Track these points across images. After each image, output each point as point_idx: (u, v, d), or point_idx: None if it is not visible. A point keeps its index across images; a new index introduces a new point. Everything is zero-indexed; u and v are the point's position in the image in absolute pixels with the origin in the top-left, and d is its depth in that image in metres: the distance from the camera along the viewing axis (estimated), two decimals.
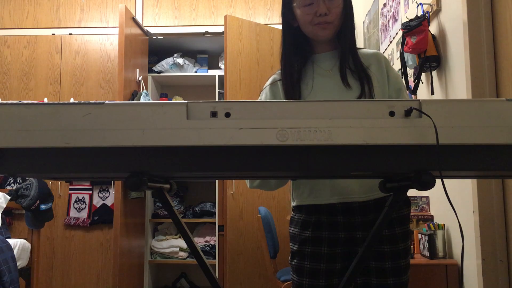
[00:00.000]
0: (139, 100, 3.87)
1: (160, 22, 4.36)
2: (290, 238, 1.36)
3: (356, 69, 1.31)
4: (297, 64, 1.34)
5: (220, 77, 4.27)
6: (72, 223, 4.09)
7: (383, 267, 1.27)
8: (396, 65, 2.95)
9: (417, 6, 2.38)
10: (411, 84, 2.49)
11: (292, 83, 1.32)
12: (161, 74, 4.40)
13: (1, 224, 3.17)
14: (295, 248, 1.33)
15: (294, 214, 1.36)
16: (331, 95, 1.31)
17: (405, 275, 1.29)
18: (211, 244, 4.12)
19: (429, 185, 0.77)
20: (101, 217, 4.09)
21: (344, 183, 1.28)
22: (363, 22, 4.06)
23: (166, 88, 4.68)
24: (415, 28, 2.24)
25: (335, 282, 1.29)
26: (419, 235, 2.32)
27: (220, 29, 4.17)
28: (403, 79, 2.54)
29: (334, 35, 1.34)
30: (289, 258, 1.36)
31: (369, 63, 1.33)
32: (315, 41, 1.37)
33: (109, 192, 4.12)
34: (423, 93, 2.49)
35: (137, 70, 4.02)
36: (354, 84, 1.30)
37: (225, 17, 3.76)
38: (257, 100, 0.97)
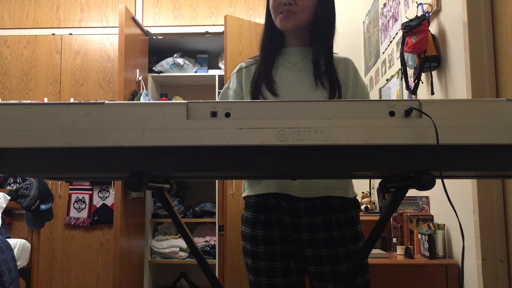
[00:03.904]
0: (139, 100, 3.87)
1: (160, 22, 4.35)
2: (242, 237, 1.37)
3: (329, 71, 1.32)
4: (271, 53, 1.37)
5: (220, 77, 4.27)
6: (72, 223, 4.09)
7: (339, 270, 1.27)
8: (396, 65, 2.95)
9: (417, 6, 2.38)
10: (411, 84, 2.49)
11: (265, 68, 1.34)
12: (161, 74, 4.40)
13: (1, 224, 3.17)
14: (248, 248, 1.34)
15: (244, 211, 1.38)
16: (294, 88, 1.33)
17: (361, 277, 1.28)
18: (211, 244, 4.12)
19: (429, 185, 0.77)
20: (101, 217, 4.09)
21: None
22: (363, 22, 4.06)
23: (166, 88, 4.68)
24: (415, 28, 2.24)
25: (293, 278, 1.31)
26: (419, 235, 2.32)
27: (220, 29, 4.17)
28: (403, 79, 2.55)
29: (296, 28, 1.34)
30: (243, 255, 1.37)
31: (336, 66, 1.35)
32: (286, 34, 1.39)
33: (109, 192, 4.12)
34: (423, 93, 2.49)
35: (137, 70, 4.01)
36: (323, 85, 1.31)
37: (225, 17, 3.76)
38: (257, 100, 0.97)
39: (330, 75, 1.31)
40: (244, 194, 1.40)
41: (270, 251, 1.30)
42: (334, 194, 1.30)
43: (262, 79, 1.33)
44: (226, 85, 1.44)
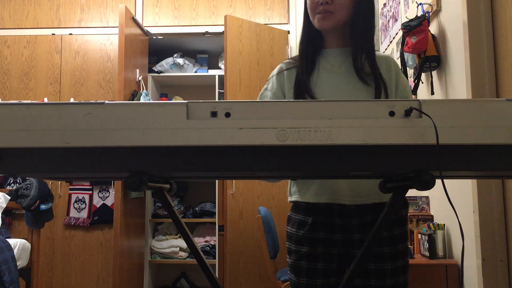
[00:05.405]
0: (139, 100, 3.87)
1: (160, 22, 4.35)
2: (287, 237, 1.36)
3: (372, 72, 1.28)
4: (310, 54, 1.34)
5: (220, 77, 4.27)
6: (72, 223, 4.09)
7: (383, 268, 1.27)
8: None
9: (417, 6, 2.38)
10: (411, 84, 2.49)
11: (303, 73, 1.31)
12: (161, 74, 4.40)
13: (1, 224, 3.17)
14: (292, 248, 1.33)
15: (292, 212, 1.37)
16: (337, 92, 1.29)
17: (403, 276, 1.29)
18: (211, 244, 4.12)
19: (429, 185, 0.77)
20: (101, 217, 4.09)
21: (334, 185, 1.27)
22: None
23: (166, 88, 4.68)
24: (415, 28, 2.24)
25: (333, 281, 1.30)
26: (419, 235, 2.32)
27: (220, 29, 4.17)
28: None
29: (335, 27, 1.31)
30: (287, 256, 1.37)
31: (378, 65, 1.31)
32: (325, 34, 1.36)
33: (109, 192, 4.12)
34: (423, 93, 2.49)
35: (137, 70, 4.01)
36: (367, 87, 1.27)
37: (225, 17, 3.76)
38: (257, 100, 0.97)
39: (374, 76, 1.27)
40: (292, 198, 1.37)
41: (313, 252, 1.29)
42: (386, 200, 1.28)
43: (302, 85, 1.30)
44: (264, 86, 1.40)
